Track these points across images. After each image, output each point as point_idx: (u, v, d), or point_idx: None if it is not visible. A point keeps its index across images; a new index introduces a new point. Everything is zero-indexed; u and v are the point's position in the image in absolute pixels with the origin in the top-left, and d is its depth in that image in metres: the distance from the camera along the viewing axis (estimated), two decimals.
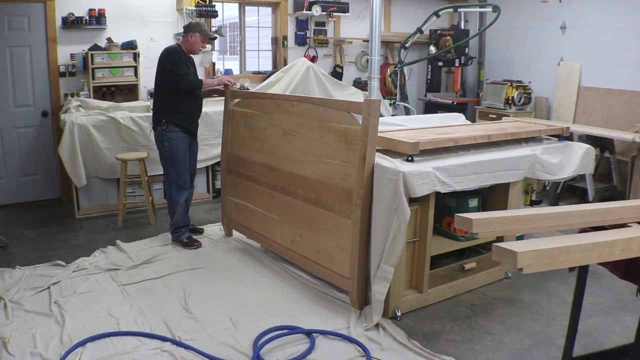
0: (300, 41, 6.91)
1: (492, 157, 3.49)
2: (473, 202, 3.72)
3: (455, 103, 7.10)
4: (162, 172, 5.39)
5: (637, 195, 5.14)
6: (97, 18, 5.52)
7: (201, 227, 4.78)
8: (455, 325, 3.22)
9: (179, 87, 4.11)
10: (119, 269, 3.88)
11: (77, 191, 5.14)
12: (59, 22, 5.41)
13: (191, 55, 4.32)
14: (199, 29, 4.23)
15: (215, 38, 4.36)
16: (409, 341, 2.97)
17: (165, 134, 4.23)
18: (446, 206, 3.69)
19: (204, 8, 5.85)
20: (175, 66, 4.11)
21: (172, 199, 4.38)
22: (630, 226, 2.21)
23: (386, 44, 7.45)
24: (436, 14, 6.41)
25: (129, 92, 5.73)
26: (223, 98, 4.49)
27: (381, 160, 3.18)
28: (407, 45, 6.62)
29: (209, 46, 6.15)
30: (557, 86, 6.70)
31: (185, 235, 4.40)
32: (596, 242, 1.88)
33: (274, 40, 6.97)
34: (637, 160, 5.19)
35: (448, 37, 7.03)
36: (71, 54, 5.51)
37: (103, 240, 4.52)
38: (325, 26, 7.04)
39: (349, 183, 3.25)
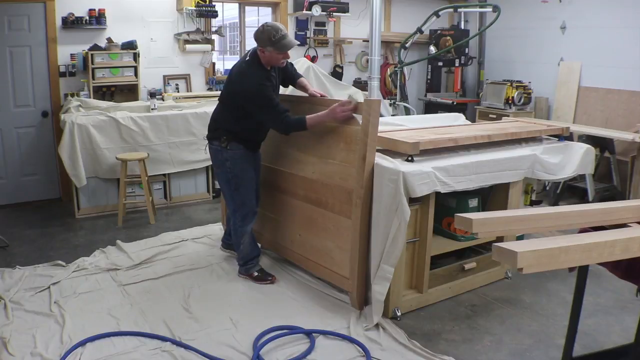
0: (300, 41, 6.91)
1: (492, 157, 3.49)
2: (473, 202, 3.72)
3: (455, 103, 7.10)
4: (162, 173, 5.46)
5: (637, 195, 5.13)
6: (97, 18, 5.51)
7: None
8: (455, 325, 3.22)
9: (278, 131, 3.49)
10: (119, 269, 3.88)
11: (77, 191, 5.13)
12: (59, 22, 5.41)
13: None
14: (268, 43, 3.27)
15: (290, 48, 3.36)
16: (409, 341, 2.97)
17: (227, 152, 3.50)
18: (446, 206, 3.68)
19: (204, 8, 5.86)
20: (269, 104, 3.30)
21: (236, 229, 3.66)
22: (630, 226, 2.21)
23: (386, 44, 7.44)
24: (436, 14, 6.40)
25: (129, 92, 5.72)
26: None
27: (381, 160, 3.18)
28: (407, 45, 6.62)
29: (208, 45, 6.16)
30: (557, 86, 6.70)
31: (256, 267, 3.74)
32: (596, 242, 1.88)
33: None
34: (637, 160, 5.18)
35: (448, 37, 7.03)
36: (71, 54, 5.50)
37: (103, 240, 4.52)
38: (325, 26, 7.04)
39: (349, 183, 3.25)
